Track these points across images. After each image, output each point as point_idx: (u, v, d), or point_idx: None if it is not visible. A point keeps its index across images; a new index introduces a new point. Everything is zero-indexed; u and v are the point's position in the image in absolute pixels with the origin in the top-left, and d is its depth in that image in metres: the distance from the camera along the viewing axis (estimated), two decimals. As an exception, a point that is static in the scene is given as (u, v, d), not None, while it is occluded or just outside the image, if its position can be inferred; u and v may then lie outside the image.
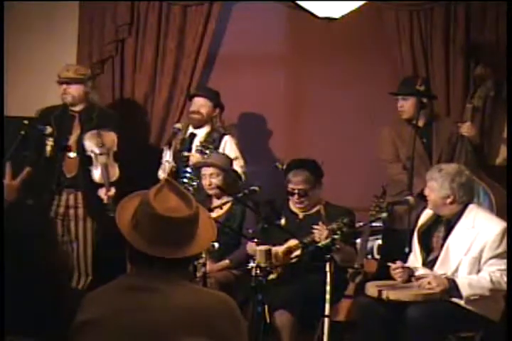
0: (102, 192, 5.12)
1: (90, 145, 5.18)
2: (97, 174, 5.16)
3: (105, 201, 5.08)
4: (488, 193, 5.08)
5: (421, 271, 4.36)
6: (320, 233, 4.54)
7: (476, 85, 5.28)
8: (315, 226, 4.59)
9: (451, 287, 4.12)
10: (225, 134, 5.45)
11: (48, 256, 1.92)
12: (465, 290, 4.10)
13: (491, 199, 5.05)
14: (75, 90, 5.34)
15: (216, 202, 5.02)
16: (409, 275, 4.34)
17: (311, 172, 4.80)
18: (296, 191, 4.79)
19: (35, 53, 6.03)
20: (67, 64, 5.49)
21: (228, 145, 5.41)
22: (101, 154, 5.14)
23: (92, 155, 5.17)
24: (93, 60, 6.01)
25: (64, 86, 5.33)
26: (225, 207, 5.02)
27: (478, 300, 4.14)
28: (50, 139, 5.24)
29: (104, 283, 2.30)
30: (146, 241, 2.19)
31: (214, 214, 4.96)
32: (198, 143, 5.41)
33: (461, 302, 4.16)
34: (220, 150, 5.38)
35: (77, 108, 5.36)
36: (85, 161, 5.21)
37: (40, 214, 2.20)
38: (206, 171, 5.03)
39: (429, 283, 4.15)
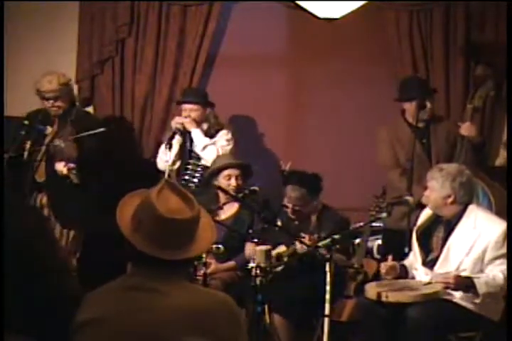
0: (60, 165, 5.12)
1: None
2: (55, 162, 5.17)
3: (64, 172, 5.10)
4: (487, 194, 5.08)
5: (420, 270, 4.37)
6: (302, 245, 4.50)
7: (476, 85, 5.27)
8: (301, 237, 4.57)
9: (469, 285, 4.12)
10: (220, 129, 5.44)
11: (48, 256, 1.92)
12: (482, 289, 4.10)
13: (490, 199, 5.05)
14: (63, 102, 5.30)
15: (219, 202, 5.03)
16: (399, 272, 4.36)
17: (309, 189, 4.79)
18: (290, 206, 4.81)
19: (35, 53, 6.03)
20: (45, 73, 5.33)
21: (222, 136, 5.38)
22: (58, 143, 5.14)
23: (52, 151, 5.18)
24: (93, 60, 6.01)
25: (51, 101, 5.25)
26: (233, 210, 5.03)
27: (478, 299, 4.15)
28: (29, 142, 5.22)
29: (89, 284, 2.30)
30: (149, 242, 2.19)
31: (222, 217, 4.98)
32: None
33: (462, 302, 4.16)
34: (214, 139, 5.35)
35: (58, 113, 5.33)
36: (52, 162, 5.20)
37: (37, 214, 2.19)
38: (233, 172, 4.99)
39: (447, 282, 4.13)
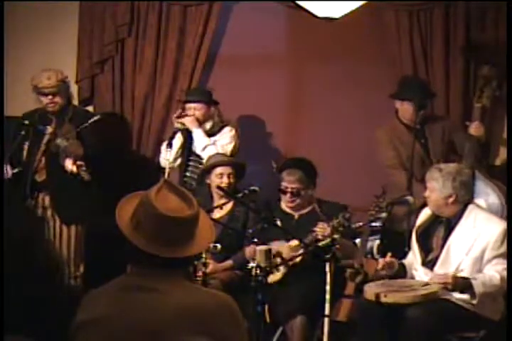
0: (69, 163, 5.12)
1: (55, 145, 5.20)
2: (62, 160, 5.15)
3: (74, 170, 5.10)
4: (497, 193, 5.04)
5: (420, 270, 4.37)
6: (322, 231, 4.56)
7: (483, 85, 5.24)
8: (317, 226, 4.60)
9: (466, 286, 4.12)
10: (224, 126, 5.43)
11: (44, 256, 1.92)
12: (479, 289, 4.10)
13: (501, 199, 5.01)
14: (61, 98, 5.30)
15: (217, 202, 5.02)
16: (396, 269, 4.36)
17: (306, 172, 4.82)
18: (289, 190, 4.81)
19: (35, 53, 6.03)
20: (43, 69, 5.33)
21: (225, 134, 5.38)
22: (60, 141, 5.13)
23: (54, 150, 5.17)
24: (93, 60, 6.01)
25: (49, 97, 5.25)
26: (227, 208, 5.02)
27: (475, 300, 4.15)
28: (26, 143, 5.23)
29: (90, 283, 2.31)
30: (148, 240, 2.20)
31: (217, 215, 4.96)
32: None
33: (460, 302, 4.16)
34: (217, 136, 5.35)
35: (55, 109, 5.33)
36: (54, 161, 5.20)
37: (29, 214, 2.19)
38: (225, 170, 4.99)
39: (445, 283, 4.13)
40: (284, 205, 4.91)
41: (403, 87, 5.27)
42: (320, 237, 4.53)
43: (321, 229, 4.57)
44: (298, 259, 4.56)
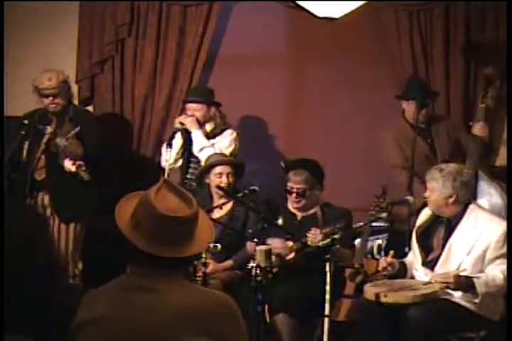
0: (68, 163, 5.11)
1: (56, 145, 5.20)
2: (62, 160, 5.15)
3: (73, 170, 5.10)
4: (500, 193, 5.04)
5: (420, 271, 4.37)
6: (313, 237, 4.54)
7: (487, 85, 5.24)
8: (309, 232, 4.59)
9: (468, 285, 4.12)
10: (225, 129, 5.43)
11: (45, 255, 1.92)
12: (481, 289, 4.10)
13: (504, 199, 5.00)
14: (62, 99, 5.30)
15: (216, 202, 5.02)
16: (397, 269, 4.36)
17: (312, 172, 4.81)
18: (294, 190, 4.80)
19: (35, 53, 6.03)
20: (44, 70, 5.33)
21: (225, 137, 5.36)
22: (59, 141, 5.13)
23: (53, 149, 5.17)
24: (93, 60, 6.01)
25: (50, 98, 5.25)
26: (227, 208, 5.02)
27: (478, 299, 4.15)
28: (26, 142, 5.23)
29: (90, 283, 2.31)
30: (147, 240, 2.20)
31: (217, 215, 4.96)
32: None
33: (461, 302, 4.16)
34: (217, 138, 5.35)
35: (56, 110, 5.33)
36: (54, 160, 5.20)
37: (30, 214, 2.19)
38: (224, 170, 4.99)
39: (447, 282, 4.13)
40: (290, 205, 4.91)
41: (408, 87, 5.29)
42: (310, 243, 4.51)
43: (312, 236, 4.56)
44: (290, 261, 4.56)
